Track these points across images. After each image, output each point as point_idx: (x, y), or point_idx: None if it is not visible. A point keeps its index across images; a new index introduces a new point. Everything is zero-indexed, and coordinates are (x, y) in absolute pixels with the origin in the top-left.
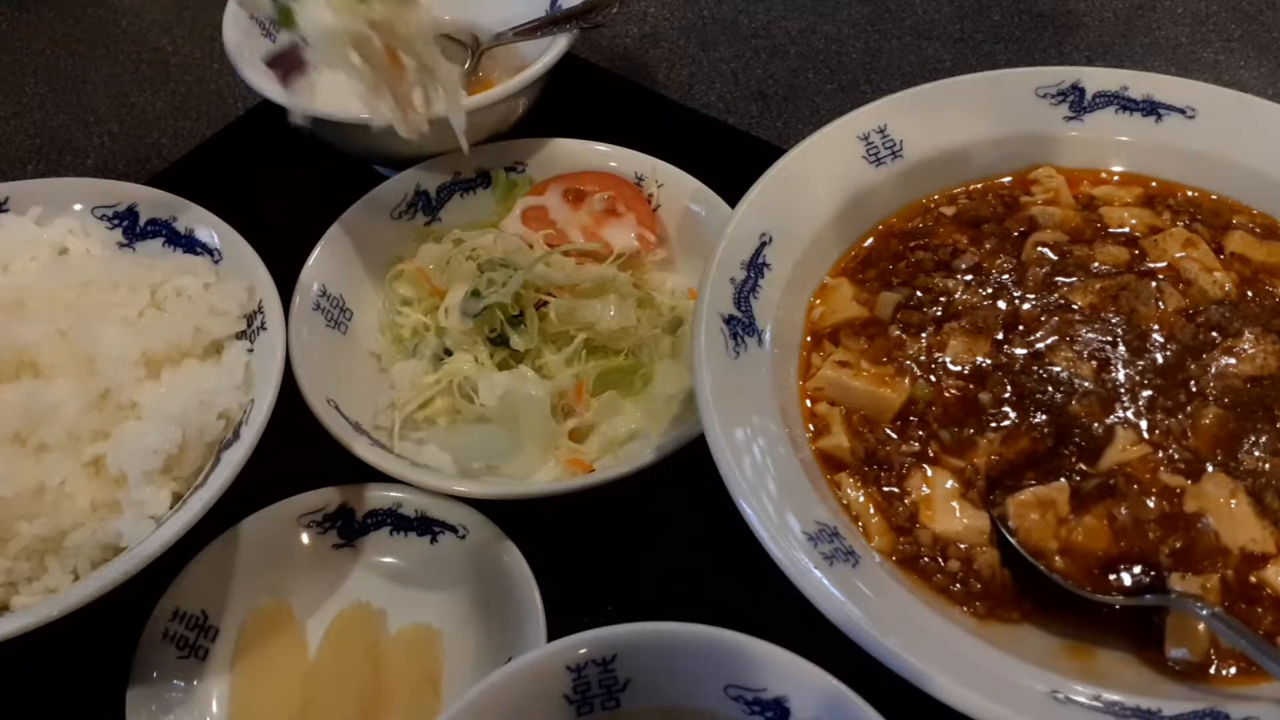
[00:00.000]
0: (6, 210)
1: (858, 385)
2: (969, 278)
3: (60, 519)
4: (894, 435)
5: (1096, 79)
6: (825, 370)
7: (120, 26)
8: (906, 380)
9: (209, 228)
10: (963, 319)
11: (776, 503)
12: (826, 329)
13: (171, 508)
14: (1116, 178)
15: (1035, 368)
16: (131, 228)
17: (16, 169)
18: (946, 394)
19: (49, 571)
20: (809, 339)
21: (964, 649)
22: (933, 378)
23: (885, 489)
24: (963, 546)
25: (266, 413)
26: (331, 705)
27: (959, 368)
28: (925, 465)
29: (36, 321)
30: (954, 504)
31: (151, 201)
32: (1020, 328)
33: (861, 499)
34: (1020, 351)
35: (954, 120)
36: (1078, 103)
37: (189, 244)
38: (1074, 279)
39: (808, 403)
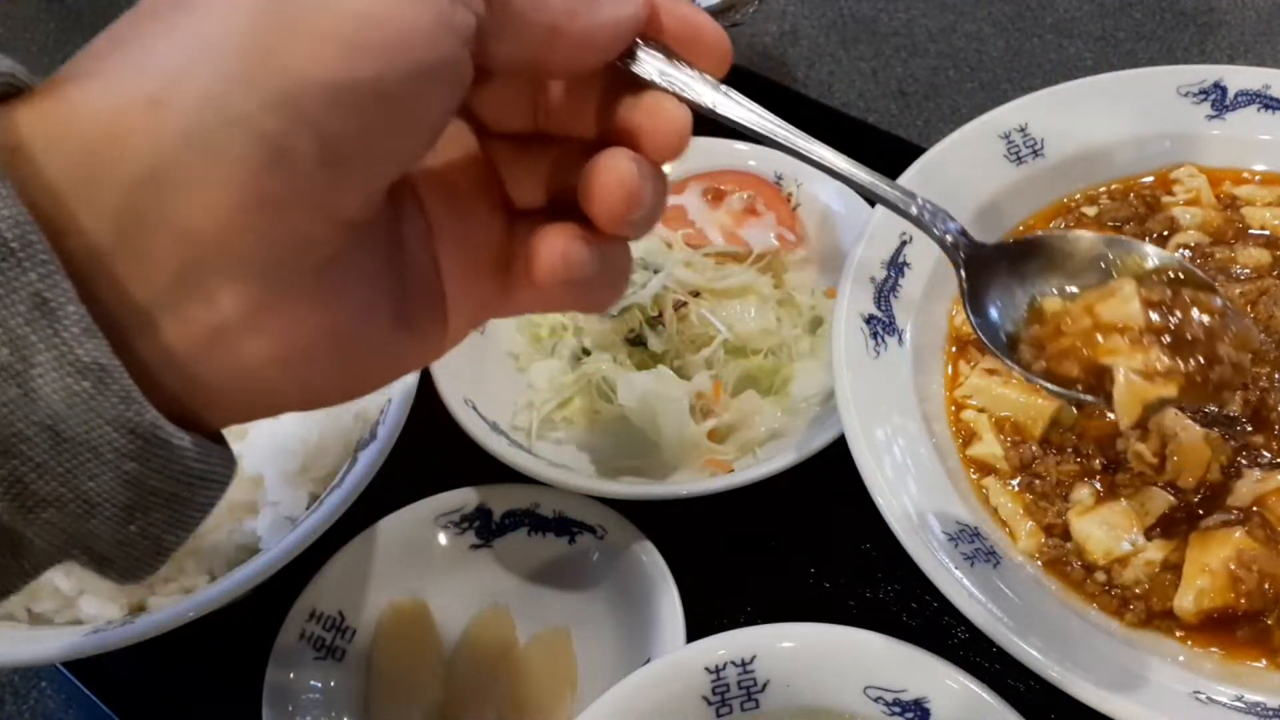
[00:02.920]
0: None
1: (1008, 393)
2: None
3: None
4: (1049, 450)
5: (1238, 77)
6: (974, 378)
7: None
8: None
9: None
10: None
11: (917, 502)
12: (972, 335)
13: (308, 509)
14: (1258, 178)
15: None
16: None
17: None
18: (1091, 419)
19: (185, 572)
20: (953, 347)
21: (1107, 650)
22: (1076, 407)
23: (1039, 496)
24: (1110, 554)
25: (403, 413)
26: (469, 707)
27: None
28: (1086, 480)
29: None
30: (1104, 517)
31: None
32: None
33: (1008, 503)
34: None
35: (1095, 119)
36: (1219, 101)
37: None
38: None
39: (953, 408)
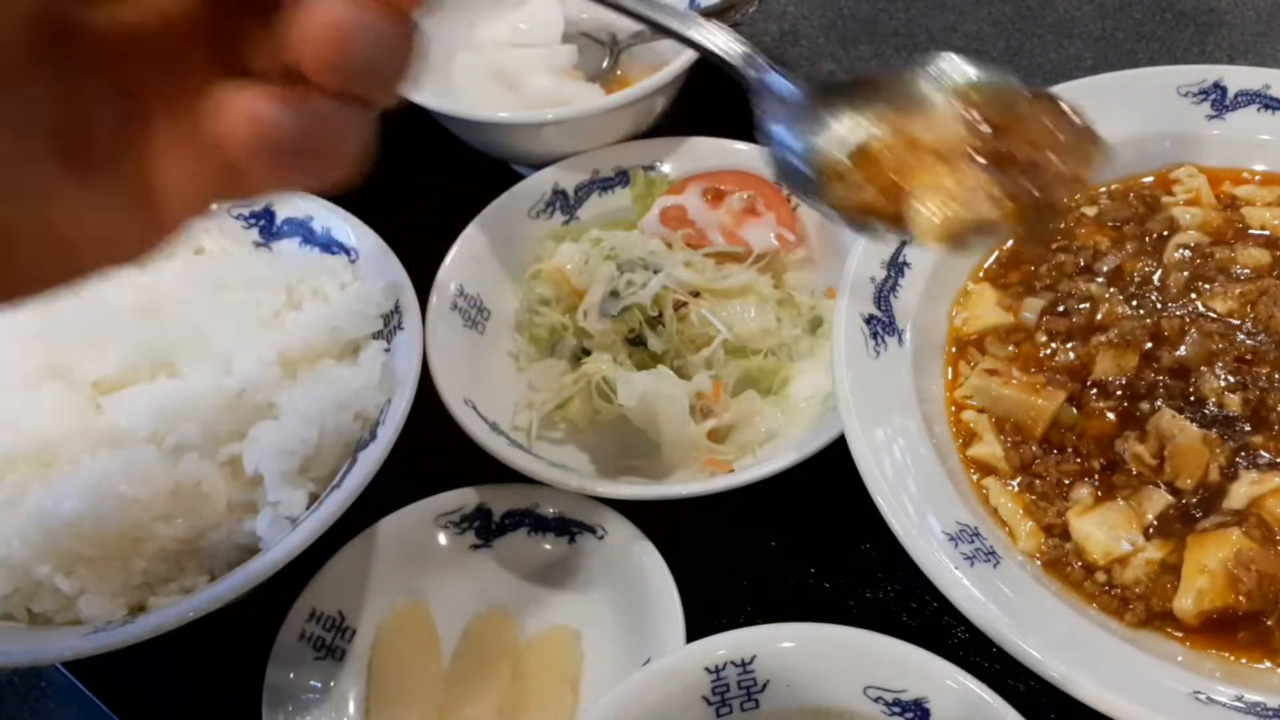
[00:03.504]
0: None
1: (1008, 394)
2: (1112, 289)
3: (197, 520)
4: (1049, 450)
5: (1238, 77)
6: (974, 379)
7: None
8: (1060, 391)
9: (346, 227)
10: (1110, 331)
11: (916, 502)
12: (971, 336)
13: (308, 509)
14: (1258, 178)
15: (1185, 391)
16: (268, 227)
17: None
18: (1091, 419)
19: (185, 572)
20: (953, 348)
21: (1106, 650)
22: (1077, 406)
23: (1039, 496)
24: (1110, 555)
25: (403, 413)
26: (470, 707)
27: (1109, 386)
28: (1086, 480)
29: (172, 321)
30: (1103, 516)
31: (288, 200)
32: (1167, 337)
33: (1008, 503)
34: (1167, 368)
35: (1095, 118)
36: (1219, 101)
37: (326, 244)
38: (1214, 284)
39: (953, 409)
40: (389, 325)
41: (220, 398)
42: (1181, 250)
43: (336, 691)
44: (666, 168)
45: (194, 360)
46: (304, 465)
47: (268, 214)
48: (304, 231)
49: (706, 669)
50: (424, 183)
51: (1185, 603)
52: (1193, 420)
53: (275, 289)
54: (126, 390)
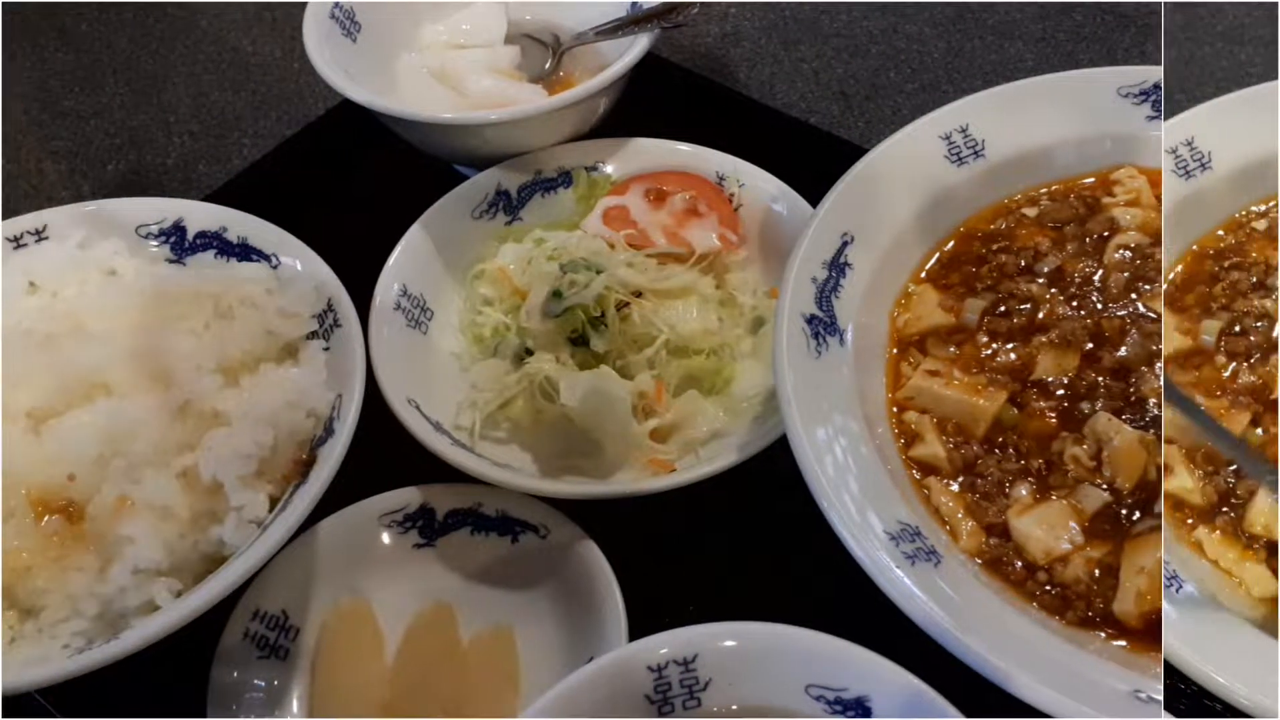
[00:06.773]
0: (46, 238)
1: (950, 394)
2: (1053, 289)
3: (161, 534)
4: (992, 450)
5: None
6: (916, 380)
7: (200, 26)
8: (1002, 391)
9: (263, 233)
10: (1051, 332)
11: (858, 502)
12: (913, 336)
13: (270, 510)
14: None
15: (1126, 392)
16: (180, 243)
17: (97, 168)
18: (1033, 419)
19: (155, 586)
20: (895, 350)
21: (1046, 648)
22: (1018, 406)
23: (981, 495)
24: (1050, 554)
25: (357, 405)
26: (413, 705)
27: (1050, 386)
28: (1027, 480)
29: (100, 343)
30: (1042, 515)
31: (198, 215)
32: (1107, 338)
33: (950, 502)
34: (1108, 368)
35: (1036, 120)
36: (1160, 102)
37: (242, 252)
38: (1155, 284)
39: (894, 410)
40: (324, 324)
41: (164, 412)
42: (1122, 251)
43: (281, 690)
44: (609, 168)
45: (129, 378)
46: (260, 468)
47: (178, 230)
48: (218, 243)
49: (649, 667)
50: (366, 184)
51: (1125, 605)
52: (1133, 421)
53: (200, 301)
54: (68, 415)
